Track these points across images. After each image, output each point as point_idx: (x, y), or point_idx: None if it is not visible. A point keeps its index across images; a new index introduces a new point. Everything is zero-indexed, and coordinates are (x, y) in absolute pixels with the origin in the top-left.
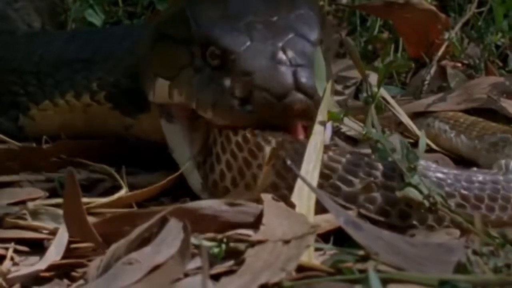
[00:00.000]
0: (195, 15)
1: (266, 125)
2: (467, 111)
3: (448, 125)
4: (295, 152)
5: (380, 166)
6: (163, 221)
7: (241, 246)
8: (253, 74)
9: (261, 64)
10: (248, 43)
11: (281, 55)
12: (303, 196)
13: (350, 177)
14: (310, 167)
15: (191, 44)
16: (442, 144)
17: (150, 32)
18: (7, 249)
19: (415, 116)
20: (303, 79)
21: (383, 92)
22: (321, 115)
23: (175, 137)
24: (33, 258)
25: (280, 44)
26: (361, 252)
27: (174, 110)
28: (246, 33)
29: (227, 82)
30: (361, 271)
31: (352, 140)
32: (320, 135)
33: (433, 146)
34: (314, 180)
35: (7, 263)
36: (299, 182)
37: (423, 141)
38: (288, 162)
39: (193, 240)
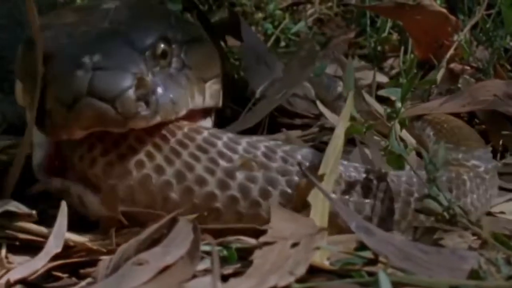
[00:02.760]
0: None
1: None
2: (472, 114)
3: (433, 131)
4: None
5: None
6: (173, 222)
7: (249, 247)
8: (52, 83)
9: (61, 70)
10: (63, 46)
11: (84, 59)
12: (318, 200)
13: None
14: (327, 171)
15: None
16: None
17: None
18: None
19: (413, 120)
20: (99, 83)
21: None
22: (342, 122)
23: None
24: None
25: (93, 49)
26: (371, 255)
27: None
28: (69, 39)
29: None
30: (370, 274)
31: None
32: (339, 139)
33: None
34: (330, 184)
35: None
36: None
37: (442, 151)
38: (303, 168)
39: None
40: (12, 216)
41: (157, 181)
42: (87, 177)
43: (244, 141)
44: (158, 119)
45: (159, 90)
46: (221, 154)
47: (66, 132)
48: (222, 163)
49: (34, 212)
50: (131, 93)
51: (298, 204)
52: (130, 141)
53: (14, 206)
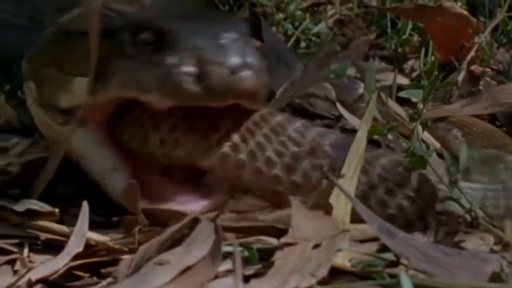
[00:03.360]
0: (110, 7)
1: (216, 102)
2: (492, 116)
3: (461, 133)
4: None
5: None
6: (195, 222)
7: (270, 248)
8: (202, 50)
9: (208, 41)
10: (188, 25)
11: (226, 35)
12: (341, 200)
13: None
14: (350, 172)
15: (117, 33)
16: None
17: (56, 35)
18: (21, 246)
19: (437, 121)
20: (252, 59)
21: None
22: (365, 124)
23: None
24: (51, 257)
25: (222, 27)
26: (392, 257)
27: (88, 115)
28: (180, 19)
29: (172, 60)
30: (392, 276)
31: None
32: (362, 141)
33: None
34: (353, 186)
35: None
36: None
37: (464, 153)
38: (325, 168)
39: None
40: (34, 215)
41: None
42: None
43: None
44: None
45: None
46: (291, 139)
47: (225, 97)
48: (291, 147)
49: (56, 210)
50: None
51: (320, 204)
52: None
53: (37, 204)
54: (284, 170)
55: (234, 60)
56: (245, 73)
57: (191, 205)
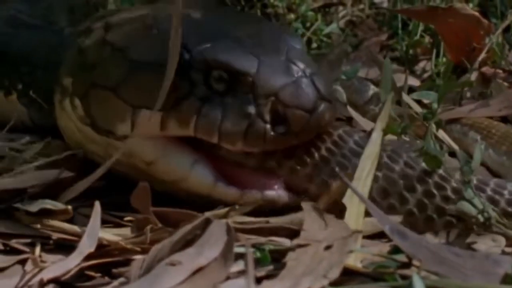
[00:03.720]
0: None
1: (299, 142)
2: (505, 118)
3: (480, 136)
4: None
5: None
6: (207, 223)
7: (282, 249)
8: (279, 93)
9: (282, 81)
10: (257, 60)
11: (295, 68)
12: (354, 202)
13: None
14: (364, 175)
15: (188, 70)
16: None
17: (115, 59)
18: (33, 245)
19: (450, 122)
20: (322, 88)
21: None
22: (380, 125)
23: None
24: (62, 257)
25: (284, 57)
26: (404, 258)
27: None
28: (246, 50)
29: (251, 107)
30: (403, 277)
31: None
32: (377, 143)
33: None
34: (367, 187)
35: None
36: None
37: (478, 154)
38: (337, 169)
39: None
40: (47, 214)
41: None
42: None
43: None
44: None
45: None
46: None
47: (305, 136)
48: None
49: (69, 207)
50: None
51: (331, 205)
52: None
53: (50, 204)
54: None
55: (311, 99)
56: (322, 108)
57: (277, 191)
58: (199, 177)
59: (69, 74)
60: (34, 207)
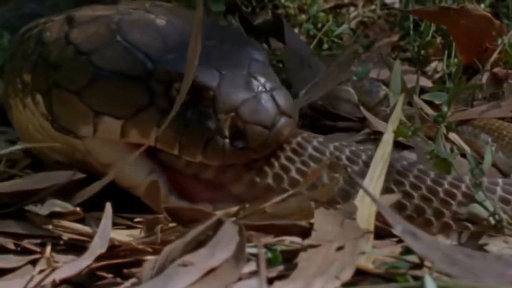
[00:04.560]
0: (138, 46)
1: (257, 157)
2: None
3: (492, 137)
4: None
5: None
6: (218, 224)
7: (293, 249)
8: (238, 109)
9: (242, 97)
10: (219, 75)
11: (255, 83)
12: (366, 203)
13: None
14: (375, 175)
15: (148, 81)
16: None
17: (76, 65)
18: (44, 245)
19: (461, 124)
20: (283, 102)
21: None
22: (391, 126)
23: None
24: (74, 257)
25: (245, 72)
26: (416, 259)
27: None
28: (209, 63)
29: (211, 122)
30: (415, 278)
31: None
32: (388, 144)
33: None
34: (378, 188)
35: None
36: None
37: (489, 156)
38: (349, 169)
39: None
40: (58, 215)
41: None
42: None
43: (332, 145)
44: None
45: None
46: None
47: (264, 151)
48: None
49: (78, 209)
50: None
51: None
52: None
53: (60, 206)
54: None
55: (270, 115)
56: (281, 123)
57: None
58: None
59: (30, 70)
60: (44, 209)
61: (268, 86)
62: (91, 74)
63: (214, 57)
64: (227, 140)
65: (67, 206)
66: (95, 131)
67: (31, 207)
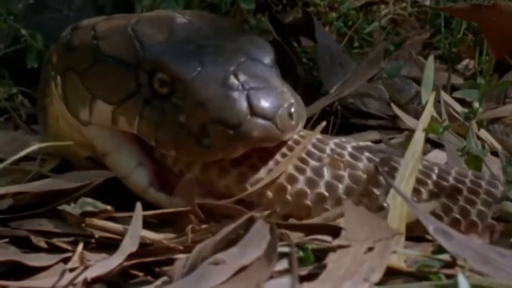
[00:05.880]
0: (140, 36)
1: (224, 157)
2: None
3: None
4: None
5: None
6: (250, 222)
7: (324, 248)
8: (206, 105)
9: (213, 93)
10: (199, 68)
11: (232, 80)
12: (397, 202)
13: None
14: (406, 174)
15: (137, 69)
16: None
17: (86, 49)
18: (76, 244)
19: (492, 122)
20: (258, 102)
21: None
22: (422, 125)
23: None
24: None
25: (232, 68)
26: (448, 258)
27: None
28: (197, 57)
29: (182, 117)
30: (448, 277)
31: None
32: (419, 143)
33: None
34: (409, 187)
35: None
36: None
37: None
38: (380, 169)
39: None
40: (90, 214)
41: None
42: (213, 188)
43: (333, 142)
44: (300, 127)
45: (294, 101)
46: (310, 154)
47: (230, 152)
48: (312, 162)
49: (109, 207)
50: (285, 107)
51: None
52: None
53: (92, 205)
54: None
55: (237, 114)
56: (250, 125)
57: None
58: (136, 179)
59: (56, 54)
60: (77, 208)
61: (248, 85)
62: (94, 57)
63: (207, 52)
64: (193, 137)
65: (99, 205)
66: (90, 115)
67: (64, 206)
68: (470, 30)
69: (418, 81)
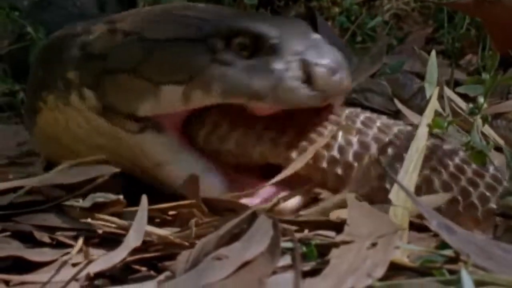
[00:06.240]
0: (190, 15)
1: (322, 103)
2: None
3: None
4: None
5: None
6: (253, 217)
7: (327, 244)
8: (306, 53)
9: (306, 43)
10: (279, 27)
11: (315, 35)
12: (400, 197)
13: None
14: (410, 169)
15: (207, 40)
16: None
17: (129, 43)
18: (74, 238)
19: (496, 117)
20: (340, 56)
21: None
22: (426, 118)
23: (167, 149)
24: (108, 250)
25: (303, 30)
26: (451, 253)
27: (165, 121)
28: (266, 21)
29: (278, 65)
30: (451, 272)
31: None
32: (423, 138)
33: None
34: (413, 182)
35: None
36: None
37: None
38: (384, 164)
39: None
40: (100, 207)
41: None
42: (248, 158)
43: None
44: None
45: None
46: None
47: (332, 96)
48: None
49: (121, 197)
50: None
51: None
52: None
53: (102, 197)
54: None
55: (334, 59)
56: (342, 73)
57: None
58: (209, 184)
59: (73, 68)
60: (86, 202)
61: (324, 42)
62: (146, 47)
63: (269, 17)
64: (296, 81)
65: (111, 196)
66: (156, 105)
67: (72, 202)
68: (474, 25)
69: (421, 76)
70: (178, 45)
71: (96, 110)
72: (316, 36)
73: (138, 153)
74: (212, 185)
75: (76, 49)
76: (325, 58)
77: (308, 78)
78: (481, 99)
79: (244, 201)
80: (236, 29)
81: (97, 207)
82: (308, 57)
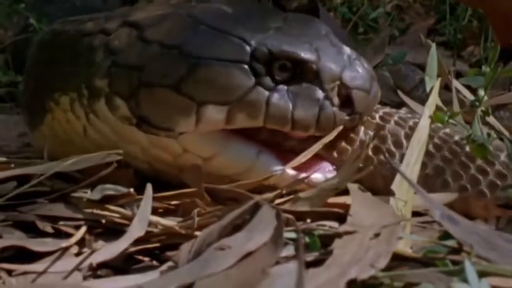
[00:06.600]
0: (227, 30)
1: (360, 122)
2: None
3: None
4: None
5: None
6: (256, 208)
7: (330, 234)
8: (342, 77)
9: (342, 65)
10: (314, 48)
11: (345, 51)
12: (403, 187)
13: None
14: (412, 160)
15: (251, 63)
16: None
17: (170, 57)
18: (78, 228)
19: (498, 108)
20: (370, 68)
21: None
22: (427, 111)
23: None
24: (112, 240)
25: (329, 42)
26: (454, 244)
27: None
28: (301, 39)
29: (319, 93)
30: (454, 263)
31: None
32: (424, 130)
33: None
34: (415, 173)
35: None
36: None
37: None
38: (386, 155)
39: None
40: (109, 200)
41: None
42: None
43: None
44: None
45: None
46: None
47: (367, 115)
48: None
49: (132, 190)
50: None
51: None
52: None
53: (112, 189)
54: None
55: (367, 79)
56: (375, 88)
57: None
58: (262, 166)
59: (104, 75)
60: (96, 194)
61: (354, 54)
62: (190, 64)
63: (295, 33)
64: (336, 108)
65: (120, 189)
66: (197, 123)
67: (80, 193)
68: (475, 17)
69: (423, 68)
70: (222, 64)
71: (127, 121)
72: (346, 49)
73: (178, 153)
74: (270, 163)
75: (101, 53)
76: (360, 78)
77: (347, 102)
78: (481, 92)
79: (303, 175)
80: (277, 54)
81: (107, 200)
82: (346, 81)
